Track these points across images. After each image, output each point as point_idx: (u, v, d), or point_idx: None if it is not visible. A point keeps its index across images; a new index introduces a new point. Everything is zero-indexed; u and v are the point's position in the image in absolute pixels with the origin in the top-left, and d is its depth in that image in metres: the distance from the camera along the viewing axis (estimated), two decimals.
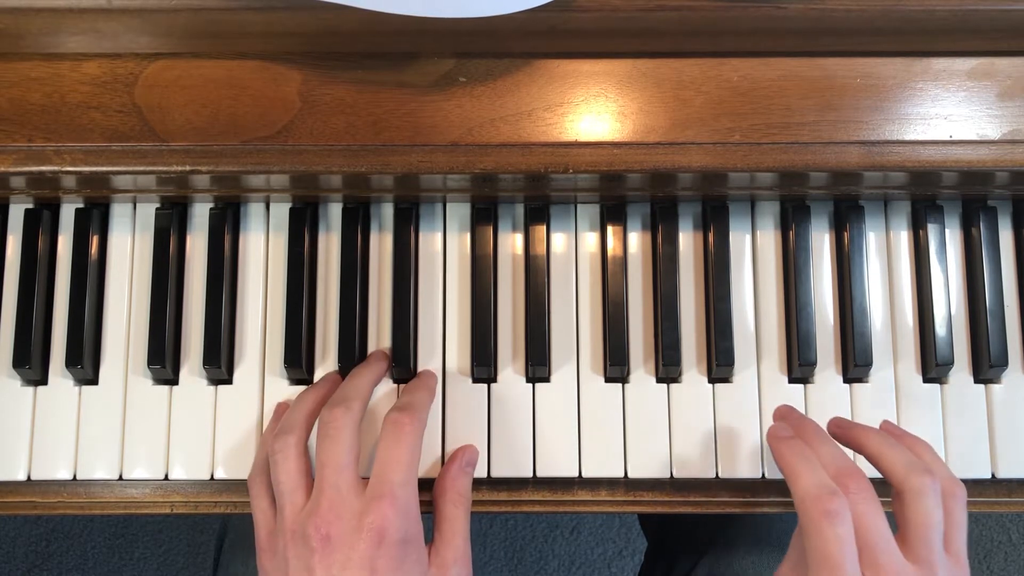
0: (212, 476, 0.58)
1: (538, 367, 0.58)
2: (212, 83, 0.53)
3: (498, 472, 0.58)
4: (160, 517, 1.10)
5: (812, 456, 0.50)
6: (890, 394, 0.59)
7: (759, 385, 0.59)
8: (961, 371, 0.60)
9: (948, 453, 0.58)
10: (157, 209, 0.60)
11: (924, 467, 0.49)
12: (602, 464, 0.58)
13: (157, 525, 1.37)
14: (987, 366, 0.58)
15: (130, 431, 0.59)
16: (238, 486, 0.58)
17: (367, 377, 0.56)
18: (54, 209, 0.61)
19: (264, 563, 0.53)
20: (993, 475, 0.58)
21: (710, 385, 0.59)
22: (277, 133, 0.53)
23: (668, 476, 0.58)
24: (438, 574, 0.52)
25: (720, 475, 0.58)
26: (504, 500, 0.59)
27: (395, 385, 0.59)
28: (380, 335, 0.60)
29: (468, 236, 0.60)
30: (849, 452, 0.53)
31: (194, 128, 0.53)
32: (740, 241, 0.61)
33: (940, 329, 0.59)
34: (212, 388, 0.59)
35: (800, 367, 0.58)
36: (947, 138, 0.53)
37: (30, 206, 0.60)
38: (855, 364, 0.58)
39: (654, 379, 0.59)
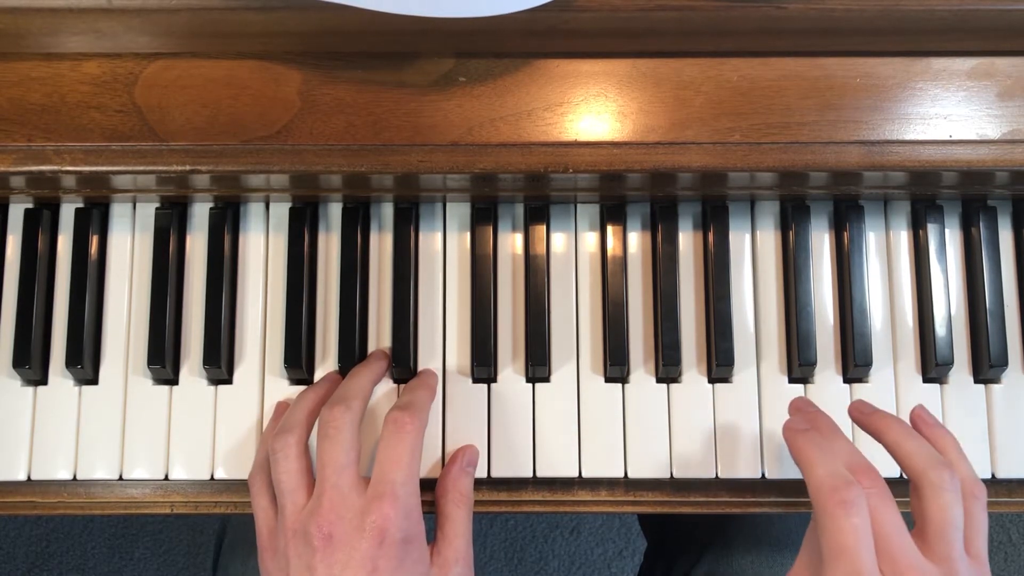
0: (212, 476, 0.58)
1: (538, 367, 0.58)
2: (212, 83, 0.53)
3: (498, 472, 0.58)
4: (160, 517, 1.10)
5: (828, 448, 0.48)
6: (890, 394, 0.59)
7: (759, 385, 0.59)
8: (961, 371, 0.60)
9: None
10: (157, 209, 0.60)
11: (944, 462, 0.47)
12: (602, 464, 0.58)
13: (157, 525, 1.37)
14: (987, 366, 0.58)
15: (130, 431, 0.59)
16: (238, 486, 0.58)
17: (367, 376, 0.56)
18: (54, 209, 0.61)
19: (266, 562, 0.53)
20: (993, 475, 0.58)
21: (710, 385, 0.59)
22: (277, 133, 0.53)
23: (668, 476, 0.58)
24: (440, 574, 0.52)
25: (720, 475, 0.58)
26: (504, 500, 0.59)
27: (395, 385, 0.59)
28: (380, 335, 0.60)
29: (468, 236, 0.60)
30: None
31: (194, 128, 0.53)
32: (740, 241, 0.61)
33: (940, 329, 0.59)
34: (212, 388, 0.59)
35: (800, 367, 0.58)
36: (947, 138, 0.53)
37: (30, 206, 0.60)
38: (855, 364, 0.58)
39: (654, 379, 0.59)
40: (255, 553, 0.54)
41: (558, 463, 0.58)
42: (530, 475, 0.58)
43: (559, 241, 0.61)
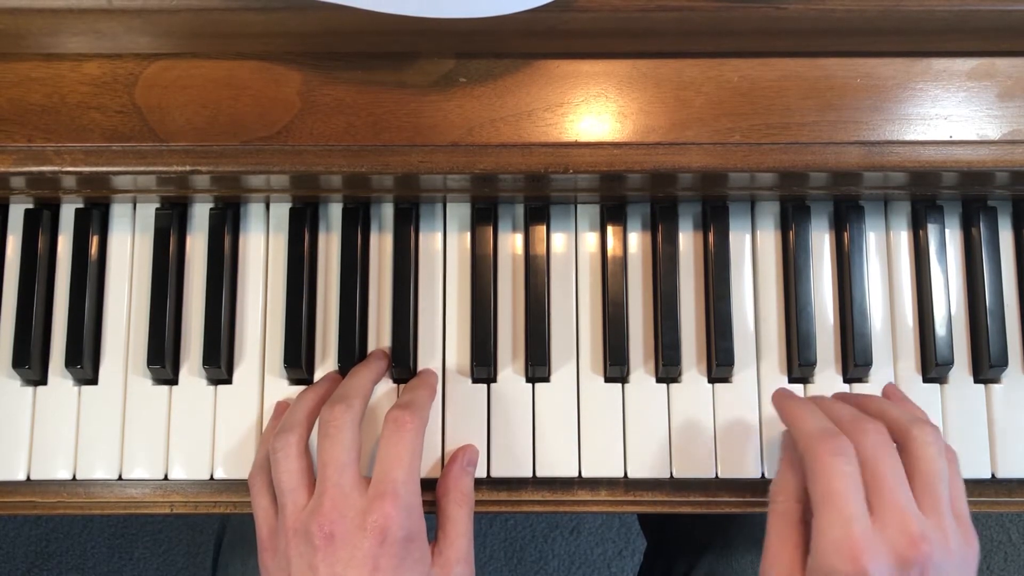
0: (212, 476, 0.58)
1: (538, 367, 0.58)
2: (212, 83, 0.53)
3: (498, 472, 0.58)
4: (160, 517, 1.10)
5: (815, 408, 0.51)
6: None
7: (759, 385, 0.59)
8: (961, 371, 0.60)
9: None
10: (157, 209, 0.60)
11: (926, 420, 0.49)
12: (602, 464, 0.58)
13: (157, 525, 1.37)
14: (987, 366, 0.58)
15: (130, 431, 0.59)
16: (238, 486, 0.58)
17: (367, 375, 0.56)
18: (54, 209, 0.61)
19: (266, 561, 0.53)
20: (993, 475, 0.58)
21: (710, 385, 0.59)
22: (277, 133, 0.53)
23: (668, 476, 0.58)
24: (441, 574, 0.52)
25: (720, 475, 0.58)
26: (504, 500, 0.59)
27: (395, 385, 0.59)
28: (380, 335, 0.60)
29: (468, 236, 0.60)
30: None
31: (194, 128, 0.53)
32: (740, 241, 0.61)
33: (940, 329, 0.59)
34: (212, 388, 0.59)
35: (800, 367, 0.58)
36: (947, 138, 0.53)
37: (30, 206, 0.60)
38: (855, 364, 0.58)
39: (654, 379, 0.59)
40: (255, 553, 0.54)
41: (558, 463, 0.58)
42: (530, 475, 0.58)
43: (559, 241, 0.61)
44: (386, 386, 0.59)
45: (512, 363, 0.59)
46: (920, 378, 0.59)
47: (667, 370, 0.58)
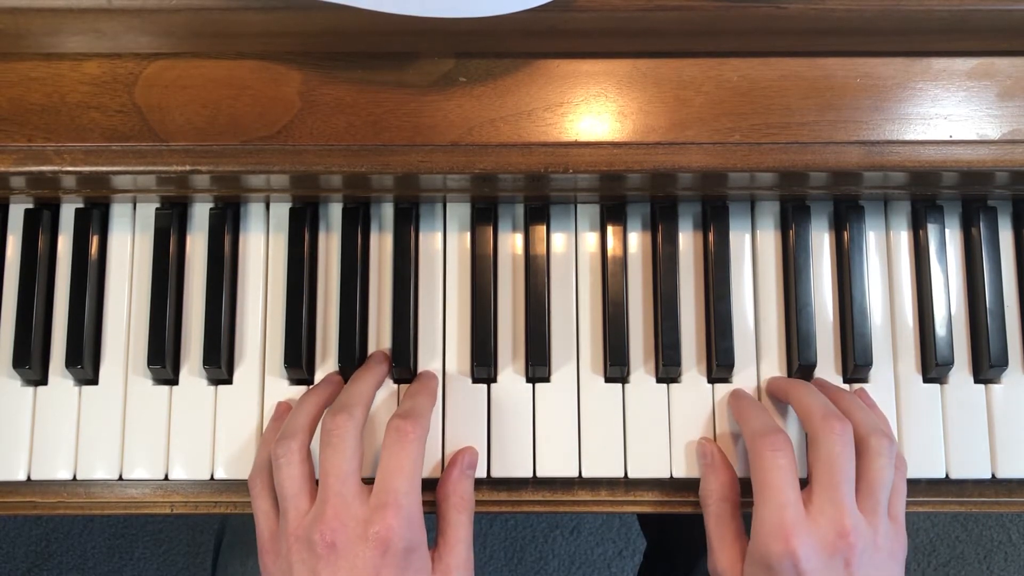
0: (212, 476, 0.58)
1: (538, 367, 0.58)
2: (212, 83, 0.53)
3: (498, 472, 0.58)
4: (160, 517, 1.10)
5: (762, 407, 0.57)
6: (890, 394, 0.59)
7: (759, 385, 0.59)
8: (961, 371, 0.60)
9: (948, 453, 0.58)
10: (157, 209, 0.60)
11: (885, 432, 0.53)
12: (602, 464, 0.58)
13: (157, 525, 1.37)
14: (987, 366, 0.58)
15: (130, 431, 0.59)
16: (238, 486, 0.58)
17: (369, 382, 0.56)
18: (54, 209, 0.61)
19: (267, 564, 0.53)
20: (993, 475, 0.58)
21: (710, 385, 0.59)
22: (277, 133, 0.53)
23: (668, 476, 0.58)
24: None
25: None
26: (504, 500, 0.59)
27: (395, 386, 0.59)
28: (380, 335, 0.60)
29: (468, 236, 0.60)
30: None
31: (194, 128, 0.53)
32: (740, 241, 0.61)
33: (940, 329, 0.59)
34: (212, 388, 0.59)
35: (800, 367, 0.58)
36: (947, 138, 0.53)
37: (30, 206, 0.60)
38: (855, 364, 0.58)
39: (654, 379, 0.59)
40: (254, 553, 0.54)
41: (558, 463, 0.58)
42: (530, 475, 0.58)
43: (559, 241, 0.61)
44: (386, 387, 0.59)
45: (512, 363, 0.59)
46: (920, 378, 0.59)
47: (667, 370, 0.58)
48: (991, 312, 0.59)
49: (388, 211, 0.61)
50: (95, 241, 0.60)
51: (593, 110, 0.54)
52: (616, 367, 0.58)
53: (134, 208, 0.61)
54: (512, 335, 0.60)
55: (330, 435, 0.52)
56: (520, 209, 0.61)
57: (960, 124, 0.54)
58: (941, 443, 0.58)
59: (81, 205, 0.60)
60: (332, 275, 0.60)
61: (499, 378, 0.59)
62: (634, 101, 0.54)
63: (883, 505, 0.52)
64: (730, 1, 0.51)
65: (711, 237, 0.60)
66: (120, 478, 0.58)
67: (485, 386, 0.59)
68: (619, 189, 0.58)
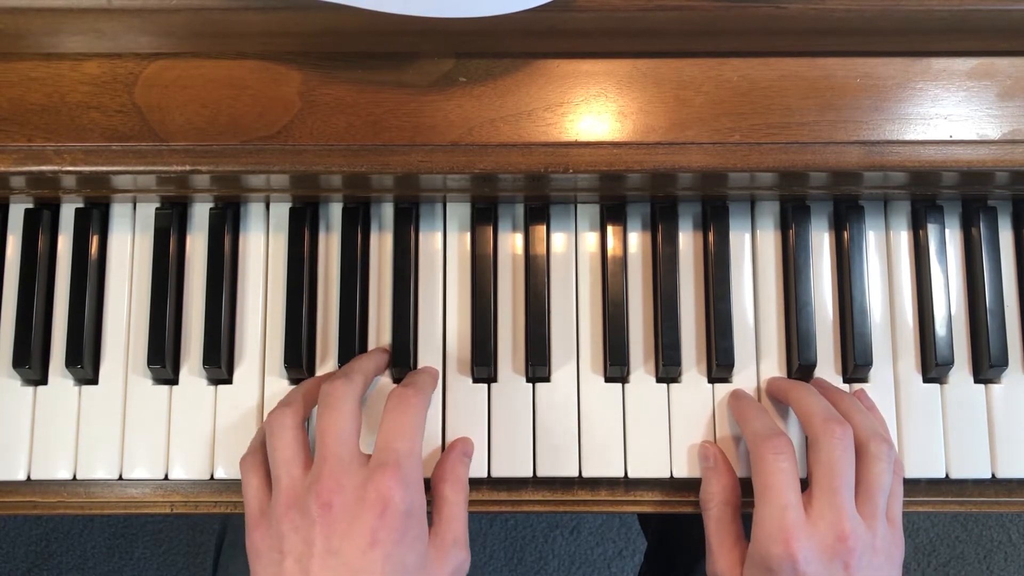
0: (212, 476, 0.58)
1: (538, 367, 0.58)
2: (212, 83, 0.53)
3: (498, 472, 0.58)
4: (160, 517, 1.10)
5: (763, 408, 0.57)
6: (890, 394, 0.59)
7: (759, 385, 0.59)
8: (961, 371, 0.60)
9: (948, 452, 0.58)
10: (157, 209, 0.60)
11: (884, 436, 0.54)
12: (602, 464, 0.58)
13: (157, 525, 1.37)
14: (987, 366, 0.58)
15: (130, 431, 0.59)
16: (238, 486, 0.58)
17: (368, 361, 0.56)
18: (54, 209, 0.61)
19: (255, 540, 0.50)
20: (993, 475, 0.58)
21: (710, 385, 0.59)
22: (277, 133, 0.53)
23: (668, 476, 0.58)
24: (437, 555, 0.50)
25: None
26: (504, 500, 0.59)
27: (395, 386, 0.59)
28: (380, 335, 0.60)
29: (468, 236, 0.60)
30: None
31: (194, 128, 0.53)
32: (740, 241, 0.61)
33: (940, 329, 0.59)
34: (212, 388, 0.59)
35: (800, 367, 0.58)
36: (947, 138, 0.53)
37: (30, 206, 0.60)
38: (855, 364, 0.58)
39: (654, 379, 0.59)
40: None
41: (558, 463, 0.58)
42: (530, 475, 0.58)
43: (559, 241, 0.61)
44: (386, 388, 0.59)
45: (512, 363, 0.59)
46: (920, 378, 0.59)
47: (667, 370, 0.58)
48: (991, 312, 0.59)
49: (388, 211, 0.61)
50: (95, 241, 0.60)
51: (593, 110, 0.54)
52: (616, 367, 0.58)
53: (134, 208, 0.61)
54: (512, 335, 0.60)
55: (328, 397, 0.50)
56: (520, 209, 0.61)
57: (960, 124, 0.54)
58: (941, 443, 0.58)
59: (81, 205, 0.60)
60: (332, 275, 0.60)
61: (499, 378, 0.59)
62: (634, 101, 0.54)
63: (881, 509, 0.52)
64: (730, 1, 0.51)
65: (711, 237, 0.60)
66: (120, 478, 0.58)
67: (485, 386, 0.59)
68: (619, 189, 0.58)
